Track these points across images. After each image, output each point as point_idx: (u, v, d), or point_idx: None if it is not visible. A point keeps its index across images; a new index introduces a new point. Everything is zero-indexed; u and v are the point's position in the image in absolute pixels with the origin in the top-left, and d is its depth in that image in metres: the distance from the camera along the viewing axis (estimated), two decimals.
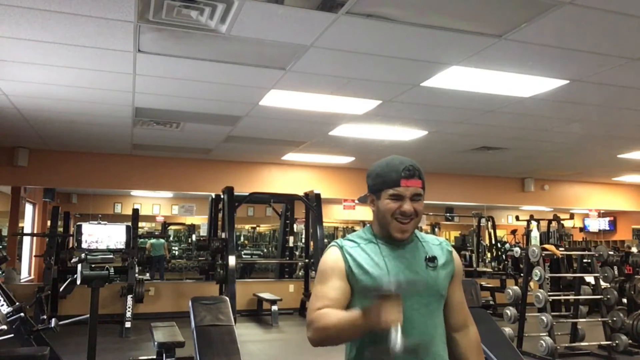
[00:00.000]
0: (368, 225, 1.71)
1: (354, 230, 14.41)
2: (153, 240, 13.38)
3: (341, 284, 1.57)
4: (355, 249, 1.61)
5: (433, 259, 1.63)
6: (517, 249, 7.68)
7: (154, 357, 5.36)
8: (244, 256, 14.73)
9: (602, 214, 13.26)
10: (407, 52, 3.81)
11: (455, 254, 1.72)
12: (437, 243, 1.70)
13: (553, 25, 3.30)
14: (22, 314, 4.19)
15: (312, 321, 1.52)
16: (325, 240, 9.02)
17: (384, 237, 1.63)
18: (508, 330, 6.16)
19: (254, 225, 16.83)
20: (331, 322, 1.47)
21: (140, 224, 10.35)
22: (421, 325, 1.56)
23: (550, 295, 6.32)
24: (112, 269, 4.29)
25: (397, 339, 1.36)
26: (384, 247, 1.61)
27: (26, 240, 10.89)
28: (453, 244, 15.27)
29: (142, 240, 13.56)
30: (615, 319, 6.33)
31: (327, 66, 4.14)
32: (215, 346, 4.64)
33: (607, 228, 14.98)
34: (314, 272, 8.59)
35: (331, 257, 1.61)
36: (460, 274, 1.72)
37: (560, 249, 7.70)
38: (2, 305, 4.23)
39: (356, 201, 9.91)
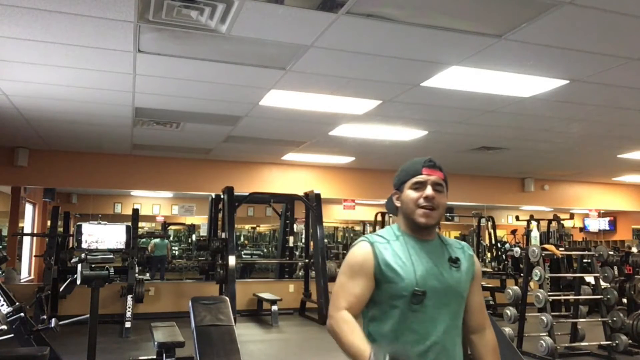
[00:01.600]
0: (396, 223, 1.75)
1: (354, 231, 14.35)
2: (156, 240, 13.39)
3: (367, 282, 1.61)
4: (385, 246, 1.65)
5: (456, 259, 1.67)
6: (517, 249, 7.67)
7: (154, 357, 5.36)
8: (244, 256, 14.73)
9: (602, 214, 13.26)
10: (407, 52, 3.81)
11: (476, 258, 1.78)
12: (460, 247, 1.75)
13: (553, 25, 3.30)
14: (22, 314, 4.19)
15: (334, 322, 1.59)
16: (326, 241, 9.02)
17: (411, 233, 1.68)
18: (508, 330, 6.16)
19: (254, 225, 16.83)
20: (344, 339, 1.54)
21: (140, 224, 10.36)
22: (442, 325, 1.60)
23: (550, 295, 6.31)
24: (112, 269, 4.28)
25: None
26: (411, 244, 1.66)
27: (26, 240, 10.89)
28: None
29: (144, 240, 13.58)
30: (615, 319, 6.33)
31: (327, 66, 4.14)
32: (215, 346, 4.65)
33: (607, 228, 14.98)
34: (314, 272, 8.60)
35: (362, 252, 1.65)
36: (480, 277, 1.77)
37: (560, 249, 7.70)
38: (2, 305, 4.24)
39: (358, 201, 9.92)
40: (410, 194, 1.65)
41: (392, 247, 1.64)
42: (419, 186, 1.65)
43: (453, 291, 1.63)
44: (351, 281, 1.62)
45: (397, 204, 1.71)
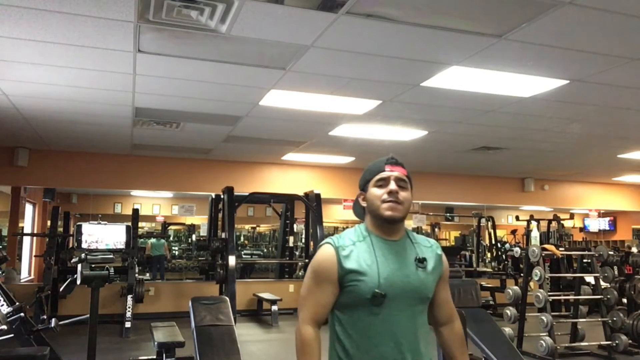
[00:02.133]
0: (363, 223, 1.75)
1: None
2: (153, 240, 13.38)
3: (331, 287, 1.64)
4: (350, 249, 1.65)
5: (423, 260, 1.68)
6: (517, 249, 7.67)
7: (154, 357, 5.35)
8: (244, 256, 14.72)
9: (602, 214, 13.26)
10: (407, 52, 3.81)
11: (444, 257, 1.79)
12: (428, 245, 1.75)
13: (553, 25, 3.30)
14: (22, 314, 4.19)
15: (298, 338, 1.64)
16: None
17: (378, 232, 1.69)
18: (508, 330, 6.16)
19: (254, 225, 16.83)
20: (301, 356, 1.62)
21: (140, 224, 10.35)
22: (404, 326, 1.62)
23: (550, 295, 6.31)
24: (112, 269, 4.28)
25: None
26: (377, 244, 1.66)
27: (26, 240, 10.89)
28: (453, 244, 15.31)
29: (142, 240, 13.58)
30: (615, 319, 6.33)
31: (327, 66, 4.14)
32: (215, 346, 4.65)
33: (607, 228, 14.97)
34: None
35: (325, 257, 1.66)
36: (447, 275, 1.79)
37: (560, 249, 7.69)
38: (2, 305, 4.23)
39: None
40: (374, 191, 1.68)
41: (357, 249, 1.65)
42: (383, 183, 1.67)
43: (417, 293, 1.65)
44: (316, 287, 1.66)
45: (363, 204, 1.73)
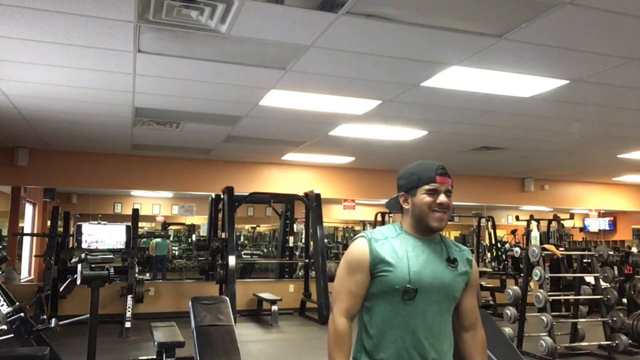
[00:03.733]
0: (398, 222, 1.82)
1: (354, 231, 14.35)
2: (157, 240, 13.38)
3: (364, 278, 1.70)
4: (383, 242, 1.73)
5: (454, 260, 1.75)
6: (517, 249, 7.67)
7: (154, 357, 5.35)
8: (244, 256, 14.72)
9: (602, 214, 13.26)
10: (407, 52, 3.81)
11: (474, 263, 1.86)
12: (459, 250, 1.82)
13: (553, 25, 3.30)
14: (22, 314, 4.19)
15: (331, 328, 1.70)
16: (326, 241, 9.01)
17: (415, 232, 1.76)
18: (508, 330, 6.16)
19: (254, 225, 16.83)
20: (330, 352, 1.68)
21: (140, 224, 10.35)
22: (430, 321, 1.68)
23: (550, 295, 6.31)
24: (112, 269, 4.27)
25: None
26: (410, 242, 1.74)
27: (26, 240, 10.89)
28: None
29: (145, 240, 13.58)
30: (615, 319, 6.33)
31: (327, 66, 4.14)
32: (215, 346, 4.65)
33: (607, 228, 14.98)
34: (314, 272, 8.60)
35: (358, 248, 1.73)
36: (476, 282, 1.85)
37: (560, 249, 7.69)
38: (2, 305, 4.24)
39: (358, 201, 9.91)
40: (423, 198, 1.73)
41: (390, 243, 1.72)
42: (433, 193, 1.73)
43: (446, 289, 1.71)
44: (349, 277, 1.72)
45: (406, 206, 1.78)
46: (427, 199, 1.72)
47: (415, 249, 1.72)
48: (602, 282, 6.73)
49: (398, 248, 1.70)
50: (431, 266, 1.70)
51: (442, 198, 1.72)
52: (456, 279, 1.73)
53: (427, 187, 1.73)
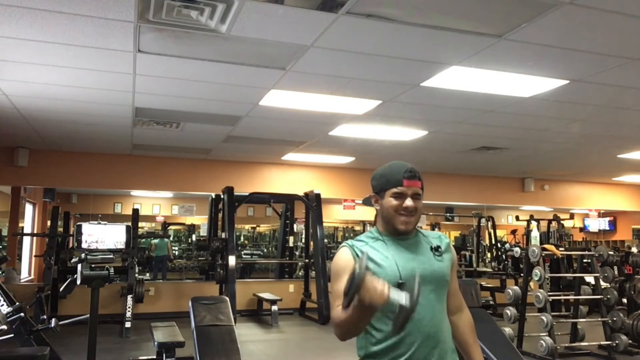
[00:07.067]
0: (375, 227, 1.84)
1: (354, 230, 14.34)
2: (156, 240, 13.38)
3: None
4: (364, 247, 1.73)
5: (438, 248, 1.79)
6: (517, 249, 7.67)
7: (154, 357, 5.35)
8: (244, 256, 14.73)
9: (602, 214, 13.26)
10: (407, 52, 3.81)
11: (452, 245, 1.88)
12: (437, 236, 1.86)
13: (553, 25, 3.30)
14: (22, 314, 4.19)
15: (332, 320, 1.66)
16: (326, 241, 9.00)
17: (389, 233, 1.78)
18: (508, 330, 6.16)
19: (254, 225, 16.83)
20: (343, 316, 1.58)
21: (140, 224, 10.35)
22: (432, 311, 1.69)
23: (550, 295, 6.31)
24: (112, 269, 4.28)
25: (400, 297, 1.41)
26: (390, 243, 1.75)
27: (26, 240, 10.89)
28: (453, 244, 15.30)
29: (144, 240, 13.58)
30: (615, 319, 6.33)
31: (327, 66, 4.14)
32: (215, 346, 4.65)
33: (607, 228, 14.98)
34: (314, 272, 8.60)
35: (343, 256, 1.74)
36: (456, 263, 1.88)
37: (560, 249, 7.69)
38: (2, 305, 4.24)
39: (358, 201, 9.90)
40: (390, 201, 1.74)
41: (371, 247, 1.74)
42: (399, 196, 1.73)
43: (436, 276, 1.73)
44: (339, 285, 1.68)
45: (376, 207, 1.81)
46: (394, 202, 1.73)
47: (397, 247, 1.74)
48: (602, 282, 6.73)
49: (381, 249, 1.72)
50: (418, 258, 1.72)
51: (408, 202, 1.72)
52: (444, 264, 1.76)
53: (394, 190, 1.73)
